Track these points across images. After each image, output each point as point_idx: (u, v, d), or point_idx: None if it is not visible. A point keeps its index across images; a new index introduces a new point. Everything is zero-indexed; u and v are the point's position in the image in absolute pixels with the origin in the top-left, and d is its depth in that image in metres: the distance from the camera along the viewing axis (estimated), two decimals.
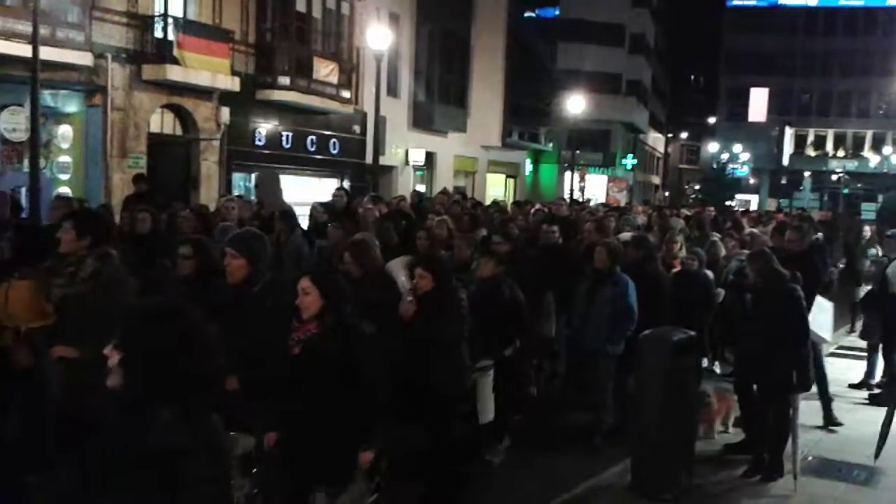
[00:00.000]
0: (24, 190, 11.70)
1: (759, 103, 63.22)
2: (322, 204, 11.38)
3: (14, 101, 13.56)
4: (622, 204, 29.91)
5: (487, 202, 18.25)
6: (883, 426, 6.13)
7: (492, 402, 6.32)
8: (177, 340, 2.31)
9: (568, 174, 31.84)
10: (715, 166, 63.44)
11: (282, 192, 11.10)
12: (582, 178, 37.61)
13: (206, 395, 2.40)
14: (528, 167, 36.92)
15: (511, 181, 34.03)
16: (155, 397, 2.29)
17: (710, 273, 8.87)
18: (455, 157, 27.69)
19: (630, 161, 46.42)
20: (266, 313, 4.43)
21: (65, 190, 14.28)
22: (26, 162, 13.06)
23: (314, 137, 19.93)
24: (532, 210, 15.23)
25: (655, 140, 60.89)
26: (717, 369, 9.90)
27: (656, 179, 62.82)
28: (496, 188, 31.33)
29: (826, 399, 8.12)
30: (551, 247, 8.97)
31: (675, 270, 8.52)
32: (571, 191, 30.27)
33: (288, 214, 8.85)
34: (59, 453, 4.82)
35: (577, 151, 31.58)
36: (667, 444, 5.98)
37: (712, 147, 64.88)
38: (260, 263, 4.69)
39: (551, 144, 35.86)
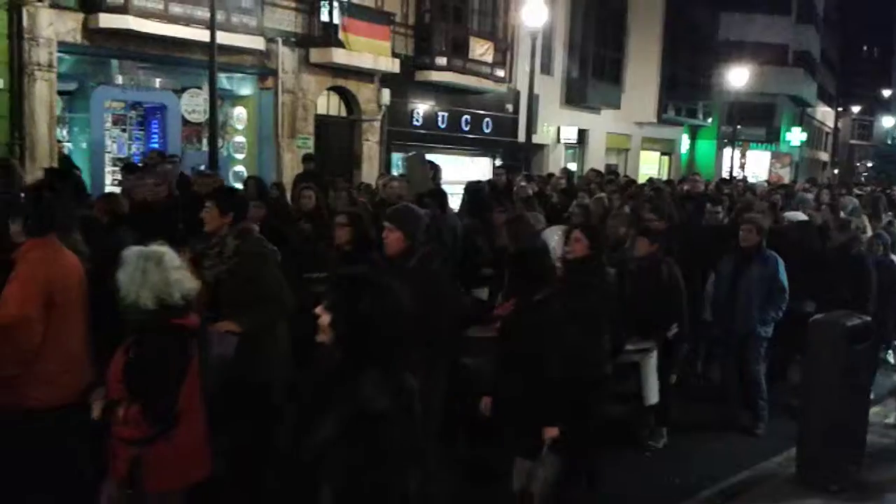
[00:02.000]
0: (202, 167, 12.54)
1: None
2: (476, 182, 11.57)
3: (193, 84, 14.52)
4: (785, 181, 28.47)
5: (640, 181, 17.92)
6: None
7: (656, 384, 6.22)
8: (376, 306, 2.51)
9: (727, 150, 30.62)
10: (889, 142, 59.04)
11: (429, 172, 11.20)
12: (742, 155, 36.01)
13: (403, 358, 2.59)
14: (685, 144, 35.76)
15: (666, 158, 33.10)
16: (358, 359, 2.51)
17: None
18: (607, 135, 27.23)
19: (798, 136, 43.88)
20: (420, 286, 4.40)
21: (240, 168, 15.28)
22: (205, 142, 14.03)
23: (468, 117, 20.18)
24: (685, 189, 14.73)
25: (824, 114, 57.22)
26: (892, 359, 9.42)
27: (824, 156, 59.11)
28: (650, 166, 30.56)
29: None
30: (714, 227, 8.76)
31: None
32: (731, 168, 29.15)
33: (439, 194, 8.95)
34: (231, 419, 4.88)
35: (739, 126, 30.27)
36: (836, 434, 5.77)
37: (886, 122, 60.39)
38: (416, 237, 4.80)
39: (710, 119, 34.51)
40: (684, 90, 30.48)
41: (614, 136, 27.75)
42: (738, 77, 27.56)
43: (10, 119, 11.77)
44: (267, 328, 4.87)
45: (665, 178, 24.92)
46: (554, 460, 4.35)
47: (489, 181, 12.25)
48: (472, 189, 10.99)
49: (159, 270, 3.51)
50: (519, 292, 4.48)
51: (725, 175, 26.91)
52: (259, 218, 6.31)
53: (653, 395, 6.22)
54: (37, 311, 3.88)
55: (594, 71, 24.80)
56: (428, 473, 2.67)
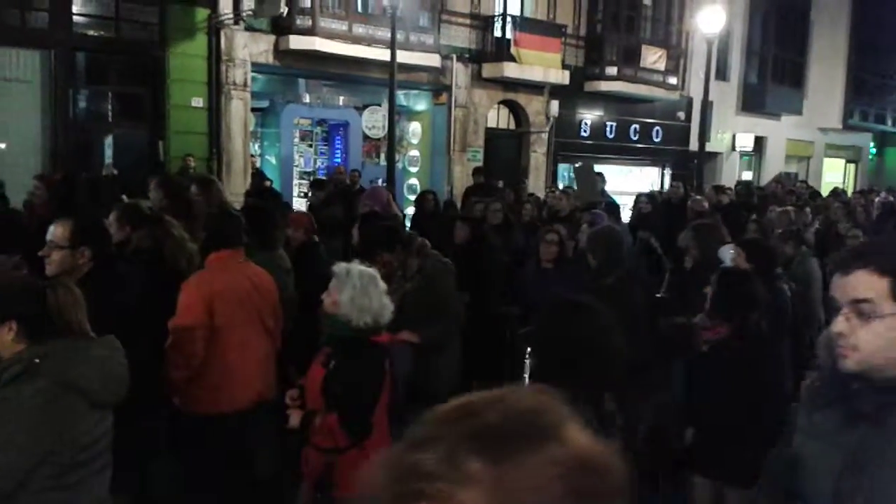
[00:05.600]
0: (380, 181, 13.14)
1: None
2: (646, 194, 11.44)
3: (373, 101, 15.21)
4: None
5: (824, 190, 17.03)
6: None
7: None
8: (585, 332, 2.57)
9: None
10: None
11: (598, 183, 11.10)
12: None
13: (606, 385, 2.61)
14: (872, 151, 33.47)
15: (851, 167, 31.10)
16: (561, 382, 2.57)
17: None
18: (787, 141, 25.96)
19: None
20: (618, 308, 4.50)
21: (413, 182, 15.86)
22: (382, 156, 14.67)
23: (637, 126, 19.84)
24: (875, 200, 13.82)
25: None
26: None
27: None
28: (834, 174, 28.80)
29: None
30: None
31: None
32: None
33: (613, 207, 8.93)
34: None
35: None
36: None
37: None
38: (613, 258, 4.88)
39: None
40: (872, 95, 28.58)
41: (795, 144, 26.42)
42: None
43: (208, 135, 12.80)
44: (444, 341, 5.16)
45: (851, 187, 23.54)
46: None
47: (662, 194, 12.09)
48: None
49: (378, 293, 3.56)
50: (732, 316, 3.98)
51: None
52: (464, 238, 6.51)
53: None
54: (198, 321, 4.03)
55: (774, 75, 23.74)
56: None
